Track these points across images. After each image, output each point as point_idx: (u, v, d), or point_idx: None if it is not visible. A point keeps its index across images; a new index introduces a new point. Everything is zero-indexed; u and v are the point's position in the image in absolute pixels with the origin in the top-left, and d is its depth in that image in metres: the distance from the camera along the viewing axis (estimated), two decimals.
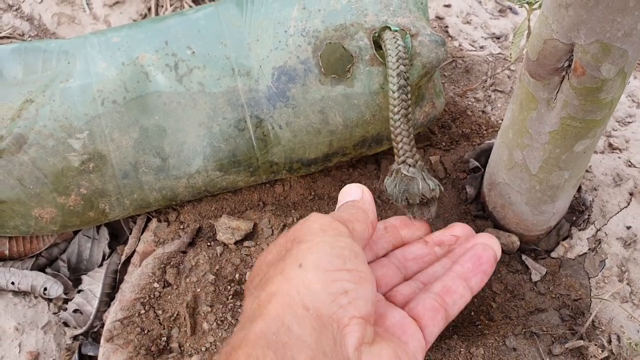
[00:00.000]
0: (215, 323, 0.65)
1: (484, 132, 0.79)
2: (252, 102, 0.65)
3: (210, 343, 0.64)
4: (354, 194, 0.56)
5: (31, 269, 0.71)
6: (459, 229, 0.61)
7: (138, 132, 0.66)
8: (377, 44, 0.65)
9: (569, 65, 0.51)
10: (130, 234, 0.73)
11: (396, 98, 0.63)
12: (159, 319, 0.65)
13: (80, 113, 0.64)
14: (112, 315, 0.64)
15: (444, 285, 0.54)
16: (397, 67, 0.63)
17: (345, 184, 0.75)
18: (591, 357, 0.61)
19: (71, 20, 0.92)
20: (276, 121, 0.66)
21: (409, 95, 0.64)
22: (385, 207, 0.74)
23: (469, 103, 0.82)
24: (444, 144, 0.79)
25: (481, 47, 0.89)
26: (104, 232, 0.74)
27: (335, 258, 0.43)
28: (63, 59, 0.66)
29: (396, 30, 0.63)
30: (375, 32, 0.65)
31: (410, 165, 0.64)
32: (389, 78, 0.63)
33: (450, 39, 0.89)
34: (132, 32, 0.68)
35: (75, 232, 0.75)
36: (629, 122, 0.80)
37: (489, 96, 0.82)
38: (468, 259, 0.56)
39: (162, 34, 0.67)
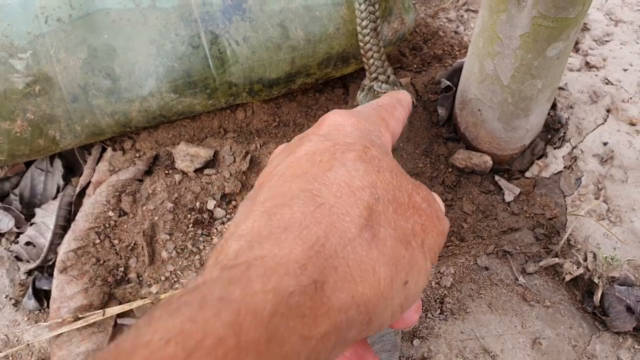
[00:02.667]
0: (175, 251, 0.62)
1: (457, 53, 0.75)
2: (206, 17, 0.61)
3: (170, 272, 0.61)
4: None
5: None
6: None
7: (86, 52, 0.62)
8: None
9: None
10: (85, 165, 0.69)
11: (363, 11, 0.59)
12: (115, 249, 0.62)
13: (22, 31, 0.60)
14: (66, 245, 0.61)
15: None
16: None
17: (312, 110, 0.72)
18: (566, 274, 0.59)
19: None
20: (233, 37, 0.62)
21: (377, 7, 0.60)
22: None
23: (441, 24, 0.78)
24: (415, 66, 0.75)
25: None
26: (58, 164, 0.70)
27: None
28: None
29: None
30: None
31: (382, 82, 0.62)
32: None
33: None
34: None
35: (28, 165, 0.71)
36: (606, 41, 0.77)
37: (462, 16, 0.78)
38: None
39: None
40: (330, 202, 0.32)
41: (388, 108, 0.44)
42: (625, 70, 0.73)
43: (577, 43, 0.78)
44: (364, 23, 0.60)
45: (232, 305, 0.24)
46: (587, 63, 0.74)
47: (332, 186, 0.33)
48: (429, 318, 0.57)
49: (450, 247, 0.62)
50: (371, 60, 0.61)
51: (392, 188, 0.35)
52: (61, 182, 0.70)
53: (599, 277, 0.58)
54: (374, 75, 0.62)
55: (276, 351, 0.24)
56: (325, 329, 0.27)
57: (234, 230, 0.31)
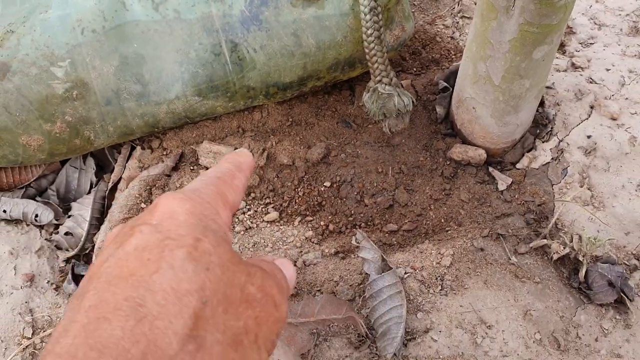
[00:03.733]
0: None
1: (453, 56, 0.82)
2: (226, 27, 0.68)
3: None
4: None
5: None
6: None
7: (118, 59, 0.68)
8: None
9: None
10: (115, 163, 0.76)
11: (368, 20, 0.66)
12: None
13: (61, 42, 0.66)
14: (103, 234, 0.68)
15: None
16: None
17: (321, 110, 0.79)
18: (554, 253, 0.66)
19: None
20: (250, 45, 0.68)
21: (380, 17, 0.67)
22: (360, 130, 0.78)
23: (438, 30, 0.85)
24: (415, 69, 0.82)
25: None
26: (91, 162, 0.77)
27: None
28: None
29: None
30: None
31: (386, 84, 0.69)
32: (359, 0, 0.66)
33: None
34: None
35: (63, 164, 0.77)
36: (590, 44, 0.84)
37: (457, 22, 0.85)
38: None
39: None
40: (154, 312, 0.30)
41: (227, 179, 0.42)
42: (607, 70, 0.80)
43: (563, 45, 0.85)
44: (369, 31, 0.66)
45: None
46: (573, 64, 0.81)
47: (158, 293, 0.31)
48: (430, 294, 0.64)
49: (449, 232, 0.69)
50: (375, 65, 0.68)
51: (223, 285, 0.33)
52: (94, 179, 0.76)
53: (583, 256, 0.65)
54: (378, 78, 0.69)
55: None
56: None
57: (52, 346, 0.30)
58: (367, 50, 0.68)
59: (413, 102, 0.70)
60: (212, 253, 0.34)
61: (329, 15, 0.68)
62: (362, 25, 0.67)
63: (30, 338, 0.65)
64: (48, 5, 0.68)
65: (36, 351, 0.66)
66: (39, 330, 0.66)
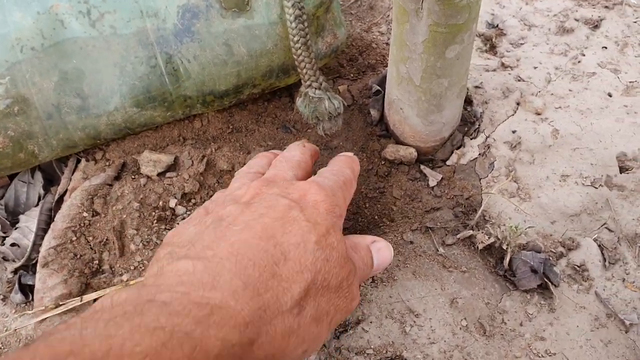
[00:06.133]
0: (141, 244, 0.71)
1: (388, 61, 0.85)
2: (161, 40, 0.71)
3: (138, 262, 0.70)
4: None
5: None
6: None
7: (58, 75, 0.71)
8: None
9: None
10: (63, 175, 0.79)
11: (294, 28, 0.69)
12: (90, 245, 0.71)
13: (1, 60, 0.69)
14: (46, 243, 0.70)
15: None
16: None
17: (261, 117, 0.82)
18: (479, 243, 0.68)
19: None
20: (184, 56, 0.71)
21: (306, 24, 0.70)
22: (299, 135, 0.81)
23: (374, 37, 0.88)
24: (352, 75, 0.85)
25: None
26: (39, 176, 0.79)
27: None
28: None
29: None
30: None
31: (316, 88, 0.72)
32: (285, 9, 0.69)
33: None
34: None
35: (11, 178, 0.80)
36: (521, 44, 0.88)
37: (391, 29, 0.89)
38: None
39: None
40: (283, 274, 0.39)
41: (349, 188, 0.54)
42: (535, 67, 0.84)
43: (495, 47, 0.89)
44: (296, 39, 0.70)
45: (193, 341, 0.32)
46: (502, 64, 0.85)
47: (289, 261, 0.40)
48: (362, 286, 0.66)
49: (381, 227, 0.72)
50: (305, 70, 0.71)
51: (330, 276, 0.42)
52: (42, 192, 0.79)
53: (507, 245, 0.67)
54: (307, 83, 0.72)
55: None
56: None
57: (201, 252, 0.40)
58: (295, 57, 0.71)
59: (343, 104, 0.73)
60: (334, 247, 0.43)
61: (258, 24, 0.71)
62: (289, 33, 0.70)
63: None
64: None
65: None
66: None
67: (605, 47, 0.86)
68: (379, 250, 0.53)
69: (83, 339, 0.29)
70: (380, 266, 0.52)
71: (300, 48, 0.70)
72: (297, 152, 0.59)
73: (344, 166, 0.57)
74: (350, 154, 0.62)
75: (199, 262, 0.39)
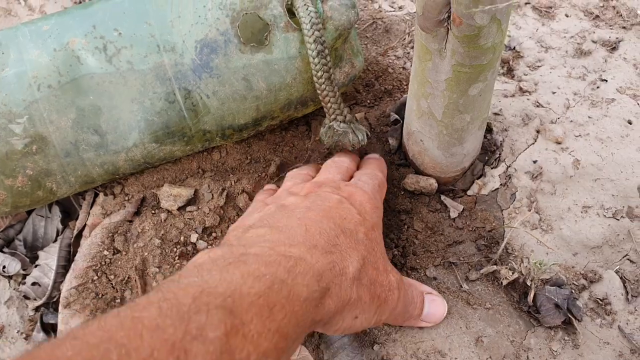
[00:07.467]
0: None
1: (405, 87, 0.85)
2: (179, 75, 0.70)
3: None
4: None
5: None
6: None
7: (75, 112, 0.70)
8: (290, 11, 0.70)
9: (449, 17, 0.57)
10: (80, 209, 0.78)
11: (317, 63, 0.69)
12: (112, 283, 0.71)
13: (18, 99, 0.69)
14: (68, 283, 0.70)
15: None
16: (313, 34, 0.68)
17: (279, 146, 0.81)
18: (503, 279, 0.68)
19: (7, 12, 0.95)
20: (203, 91, 0.71)
21: (329, 59, 0.69)
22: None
23: (390, 61, 0.87)
24: (368, 101, 0.85)
25: (400, 8, 0.94)
26: (56, 210, 0.79)
27: None
28: None
29: None
30: (287, 0, 0.69)
31: (340, 122, 0.71)
32: (307, 45, 0.68)
33: (370, 1, 0.95)
34: (61, 19, 0.72)
35: (29, 213, 0.79)
36: (538, 67, 0.87)
37: (408, 53, 0.88)
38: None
39: (90, 18, 0.71)
40: (342, 246, 0.50)
41: (383, 190, 0.67)
42: (553, 93, 0.83)
43: (512, 70, 0.88)
44: (319, 74, 0.69)
45: (287, 287, 0.41)
46: (520, 88, 0.84)
47: (347, 239, 0.51)
48: (385, 325, 0.66)
49: (407, 264, 0.72)
50: (329, 104, 0.71)
51: (377, 263, 0.54)
52: (60, 226, 0.78)
53: (531, 280, 0.67)
54: (332, 117, 0.71)
55: (298, 317, 0.40)
56: (318, 315, 0.44)
57: (274, 224, 0.51)
58: (319, 92, 0.70)
59: (367, 136, 0.73)
60: (378, 243, 0.55)
61: (277, 59, 0.71)
62: (312, 68, 0.69)
63: None
64: (4, 63, 0.70)
65: None
66: None
67: (624, 71, 0.85)
68: (433, 301, 0.63)
69: (208, 282, 0.37)
70: (430, 317, 0.62)
71: (324, 83, 0.69)
72: (347, 159, 0.70)
73: (376, 169, 0.69)
74: (377, 155, 0.74)
75: (274, 229, 0.49)
